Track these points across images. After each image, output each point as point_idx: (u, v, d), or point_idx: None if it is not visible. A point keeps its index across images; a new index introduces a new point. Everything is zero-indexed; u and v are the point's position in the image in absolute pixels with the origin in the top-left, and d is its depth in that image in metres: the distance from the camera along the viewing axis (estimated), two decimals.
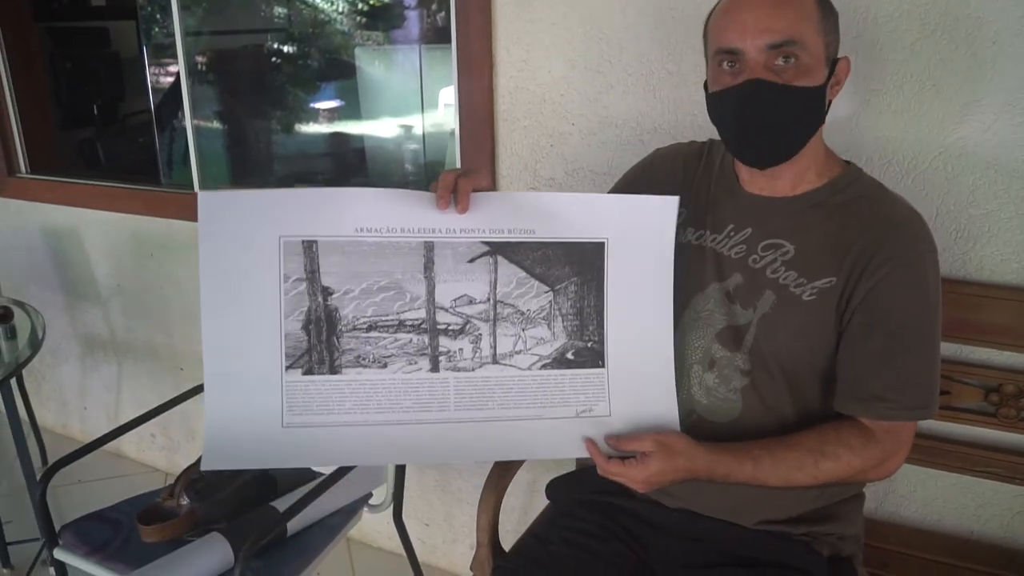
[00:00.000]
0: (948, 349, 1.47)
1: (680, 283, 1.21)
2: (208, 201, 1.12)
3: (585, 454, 1.18)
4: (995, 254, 1.45)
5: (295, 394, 1.14)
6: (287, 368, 1.14)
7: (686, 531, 1.29)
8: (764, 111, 1.13)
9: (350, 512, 1.71)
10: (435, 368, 1.17)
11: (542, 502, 1.49)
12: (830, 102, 1.19)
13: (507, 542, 1.49)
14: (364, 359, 1.16)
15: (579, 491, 1.40)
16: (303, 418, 1.15)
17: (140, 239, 2.59)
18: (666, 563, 1.29)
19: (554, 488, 1.47)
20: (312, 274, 1.13)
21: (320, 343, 1.15)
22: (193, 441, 2.72)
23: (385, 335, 1.16)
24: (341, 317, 1.15)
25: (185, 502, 1.58)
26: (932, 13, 1.38)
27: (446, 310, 1.16)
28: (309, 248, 1.13)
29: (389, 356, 1.16)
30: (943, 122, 1.42)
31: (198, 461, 1.67)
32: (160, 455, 2.86)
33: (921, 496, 1.62)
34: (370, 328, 1.15)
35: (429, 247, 1.15)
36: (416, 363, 1.17)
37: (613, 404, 1.20)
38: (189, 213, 2.42)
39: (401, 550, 1.96)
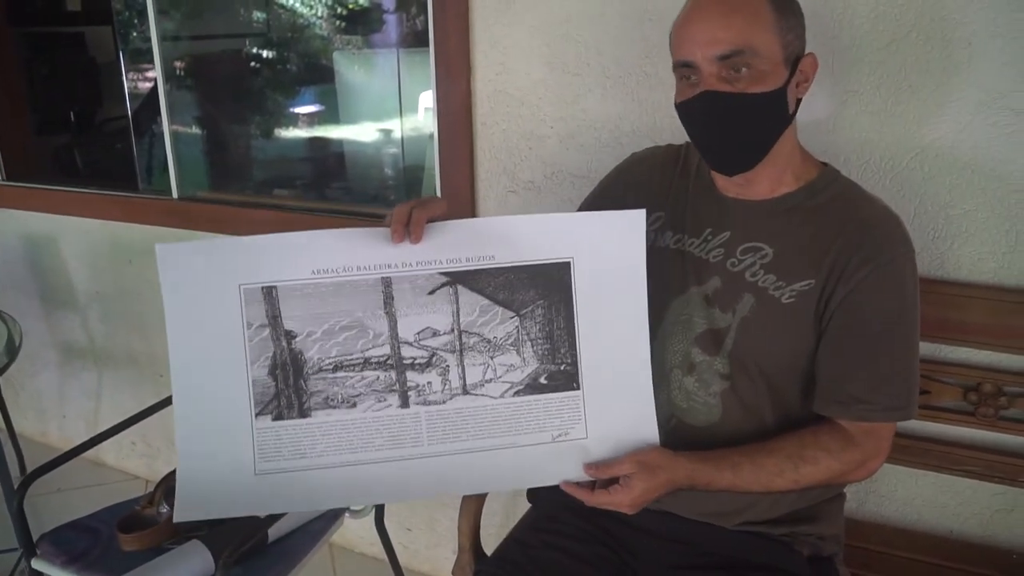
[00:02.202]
0: (927, 348, 1.48)
1: (660, 287, 1.21)
2: (167, 254, 1.12)
3: (562, 480, 1.18)
4: (972, 253, 1.46)
5: (266, 441, 1.14)
6: (257, 415, 1.14)
7: (668, 533, 1.29)
8: (720, 121, 1.15)
9: (332, 518, 1.71)
10: (405, 404, 1.16)
11: (524, 506, 1.49)
12: (799, 101, 1.19)
13: (489, 546, 1.48)
14: (332, 400, 1.15)
15: (560, 494, 1.39)
16: (275, 464, 1.14)
17: (118, 245, 2.57)
18: (648, 565, 1.29)
19: (536, 492, 1.46)
20: (274, 319, 1.13)
21: (288, 387, 1.14)
22: (173, 448, 2.65)
23: (352, 374, 1.15)
24: (306, 360, 1.14)
25: (165, 510, 1.56)
26: (907, 14, 1.39)
27: (411, 344, 1.15)
28: (269, 294, 1.12)
29: (357, 395, 1.15)
30: (920, 123, 1.43)
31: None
32: (140, 462, 2.83)
33: (901, 495, 1.63)
34: (336, 368, 1.14)
35: (387, 283, 1.13)
36: (385, 400, 1.15)
37: (590, 426, 1.18)
38: (168, 219, 2.42)
39: (383, 555, 1.95)
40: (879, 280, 1.15)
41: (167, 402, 1.81)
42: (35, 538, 1.60)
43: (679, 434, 1.24)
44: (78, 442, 1.68)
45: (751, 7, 1.12)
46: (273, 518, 1.49)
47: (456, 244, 1.14)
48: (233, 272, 1.12)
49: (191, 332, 1.13)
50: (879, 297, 1.16)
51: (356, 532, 2.37)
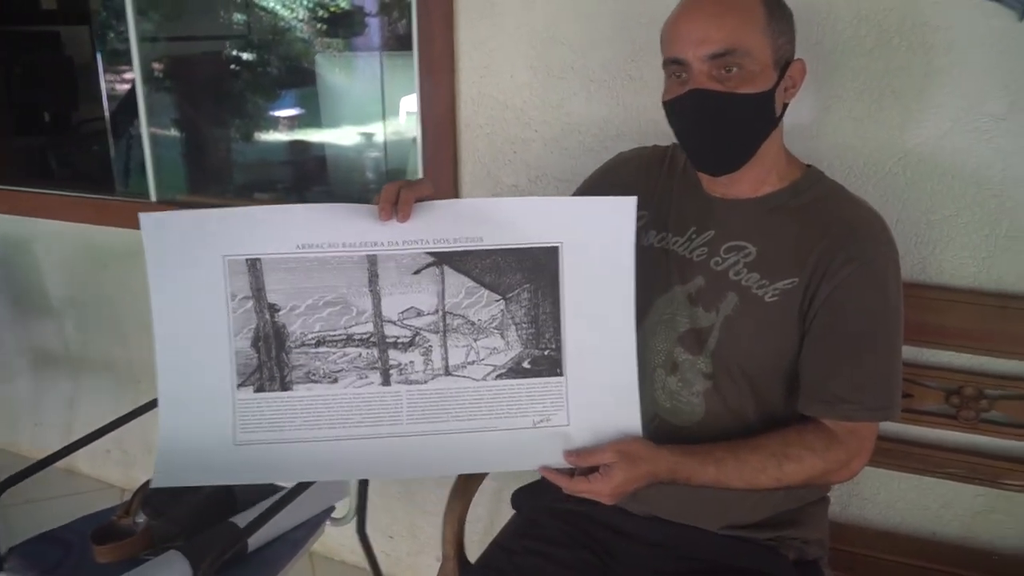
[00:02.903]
0: (909, 352, 1.48)
1: (643, 286, 1.20)
2: (151, 223, 1.12)
3: (542, 464, 1.16)
4: (953, 258, 1.46)
5: (247, 411, 1.15)
6: (239, 386, 1.15)
7: (652, 537, 1.28)
8: (709, 119, 1.15)
9: (313, 526, 1.68)
10: (386, 382, 1.16)
11: (508, 512, 1.48)
12: (785, 105, 1.20)
13: (473, 553, 1.47)
14: (314, 375, 1.15)
15: (545, 500, 1.38)
16: (256, 435, 1.15)
17: (94, 250, 2.53)
18: (633, 570, 1.28)
19: (520, 498, 1.45)
20: (258, 292, 1.13)
21: (270, 360, 1.15)
22: (150, 455, 2.61)
23: (334, 350, 1.15)
24: (289, 333, 1.14)
25: (141, 520, 1.53)
26: (889, 20, 1.39)
27: (394, 323, 1.15)
28: (253, 266, 1.12)
29: (339, 371, 1.15)
30: (902, 128, 1.44)
31: None
32: (116, 470, 2.79)
33: (884, 498, 1.64)
34: (319, 343, 1.15)
35: (372, 260, 1.13)
36: (367, 377, 1.16)
37: (572, 413, 1.18)
38: None
39: (364, 563, 1.93)
40: (863, 279, 1.16)
41: (143, 409, 1.78)
42: (4, 551, 1.56)
43: (662, 434, 1.24)
44: (51, 451, 1.64)
45: (744, 8, 1.12)
46: (253, 527, 1.47)
47: (444, 224, 1.14)
48: (217, 243, 1.12)
49: (175, 302, 1.13)
50: (863, 296, 1.16)
51: (337, 540, 2.34)
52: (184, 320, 1.14)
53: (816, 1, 1.42)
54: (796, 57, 1.19)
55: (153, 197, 2.41)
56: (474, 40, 1.76)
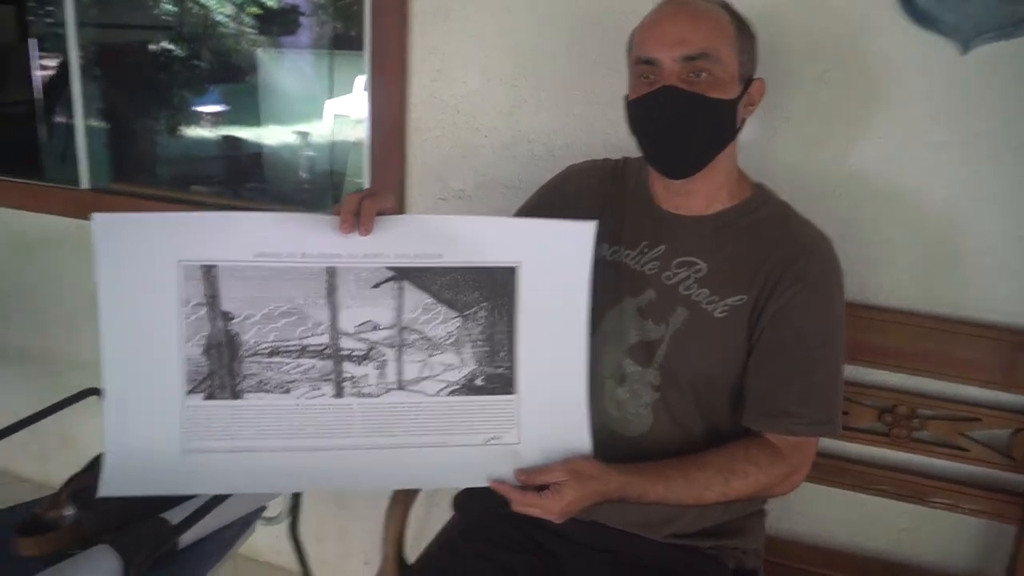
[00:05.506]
0: (846, 370, 1.50)
1: (594, 298, 1.21)
2: (103, 224, 1.09)
3: (488, 482, 1.17)
4: (892, 280, 1.51)
5: (196, 419, 1.13)
6: (188, 392, 1.13)
7: (597, 543, 1.29)
8: (676, 117, 1.17)
9: (243, 525, 1.64)
10: (339, 394, 1.15)
11: (441, 513, 1.47)
12: (743, 120, 1.23)
13: (406, 553, 1.46)
14: (266, 384, 1.14)
15: (489, 503, 1.37)
16: (203, 443, 1.13)
17: (18, 235, 2.43)
18: (578, 574, 1.29)
19: (462, 500, 1.44)
20: (212, 299, 1.11)
21: (221, 368, 1.13)
22: (68, 448, 2.53)
23: (288, 360, 1.13)
24: (243, 342, 1.12)
25: (70, 512, 1.46)
26: (841, 46, 1.44)
27: (350, 336, 1.14)
28: (208, 273, 1.10)
29: (292, 381, 1.14)
30: (847, 152, 1.48)
31: (85, 470, 1.57)
32: (33, 464, 2.66)
33: (816, 513, 1.67)
34: (272, 353, 1.13)
35: (331, 272, 1.12)
36: (319, 388, 1.15)
37: (523, 432, 1.18)
38: (75, 210, 2.30)
39: (289, 564, 1.89)
40: (809, 299, 1.19)
41: (70, 400, 1.71)
42: None
43: (610, 444, 1.24)
44: None
45: (717, 19, 1.17)
46: (185, 524, 1.42)
47: (405, 240, 1.13)
48: (173, 247, 1.10)
49: (125, 305, 1.11)
50: (808, 315, 1.20)
51: (262, 541, 2.27)
52: (134, 324, 1.11)
53: (770, 28, 1.44)
54: (757, 76, 1.22)
55: (85, 184, 2.33)
56: (428, 43, 1.76)
